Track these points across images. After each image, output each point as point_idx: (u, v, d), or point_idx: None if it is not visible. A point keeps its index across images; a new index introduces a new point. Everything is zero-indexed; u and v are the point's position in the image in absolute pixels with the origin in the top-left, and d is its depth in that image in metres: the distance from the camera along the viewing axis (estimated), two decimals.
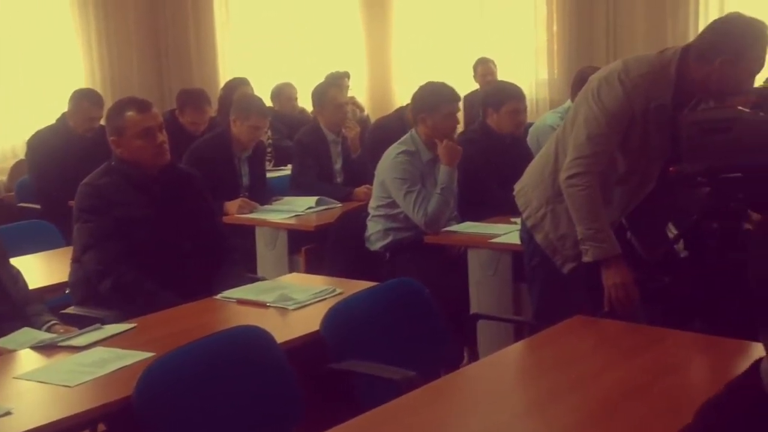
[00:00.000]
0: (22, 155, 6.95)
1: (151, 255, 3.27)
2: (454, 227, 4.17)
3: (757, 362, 1.39)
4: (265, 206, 4.91)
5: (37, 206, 5.61)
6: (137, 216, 3.27)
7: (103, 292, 3.22)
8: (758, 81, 3.01)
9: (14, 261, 3.17)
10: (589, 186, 2.85)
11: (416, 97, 4.31)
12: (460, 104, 4.55)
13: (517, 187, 3.18)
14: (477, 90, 7.25)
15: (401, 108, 6.24)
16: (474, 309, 3.83)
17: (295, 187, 5.24)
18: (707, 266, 2.89)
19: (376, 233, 4.26)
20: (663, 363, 2.39)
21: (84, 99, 5.77)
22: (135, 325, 2.84)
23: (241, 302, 3.08)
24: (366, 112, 7.51)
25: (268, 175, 5.52)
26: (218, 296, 3.14)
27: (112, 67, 8.69)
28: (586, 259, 2.89)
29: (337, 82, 6.42)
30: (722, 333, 2.52)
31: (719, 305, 2.86)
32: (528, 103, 5.33)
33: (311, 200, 4.87)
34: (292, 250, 4.63)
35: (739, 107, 2.90)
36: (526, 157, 3.82)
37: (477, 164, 4.43)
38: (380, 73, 8.57)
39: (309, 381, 2.60)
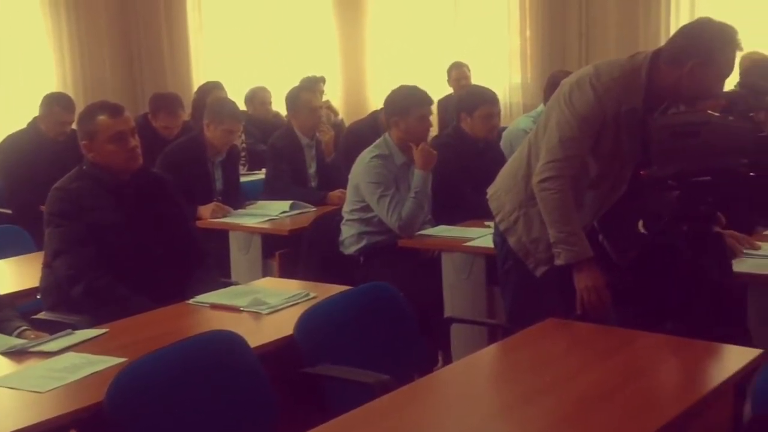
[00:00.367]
0: None
1: (123, 260, 3.25)
2: (428, 231, 4.18)
3: None
4: (239, 210, 4.90)
5: (8, 211, 5.55)
6: (109, 220, 3.25)
7: (75, 297, 3.20)
8: (728, 85, 3.04)
9: None
10: (561, 189, 2.86)
11: (389, 101, 4.32)
12: (434, 108, 4.56)
13: (490, 190, 3.19)
14: (451, 94, 7.27)
15: (375, 112, 6.25)
16: (448, 312, 3.84)
17: (269, 191, 5.23)
18: (678, 269, 2.91)
19: (350, 237, 4.26)
20: (635, 365, 2.41)
21: (55, 103, 5.72)
22: (107, 330, 2.82)
23: (214, 307, 3.07)
24: (340, 116, 7.51)
25: (242, 179, 5.50)
26: (191, 301, 3.13)
27: (84, 71, 8.63)
28: (558, 262, 2.90)
29: (311, 86, 6.42)
30: (693, 335, 2.55)
31: (690, 307, 2.89)
32: (502, 107, 5.36)
33: (285, 204, 4.86)
34: (266, 255, 4.62)
35: (709, 111, 2.93)
36: (500, 161, 3.83)
37: (451, 168, 4.44)
38: (354, 77, 8.58)
39: (282, 385, 2.60)
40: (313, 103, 5.38)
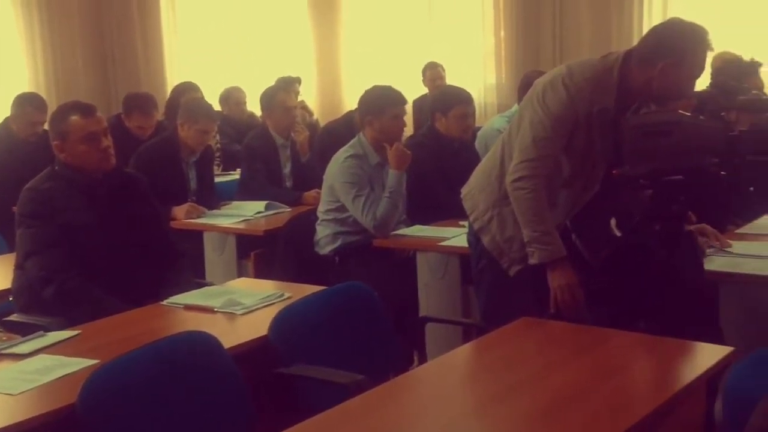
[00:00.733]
0: None
1: (96, 261, 3.22)
2: (403, 231, 4.19)
3: None
4: (214, 211, 4.88)
5: None
6: (82, 221, 3.23)
7: (47, 298, 3.17)
8: (699, 85, 3.06)
9: None
10: (534, 189, 2.88)
11: (363, 101, 4.32)
12: (408, 108, 4.56)
13: (464, 190, 3.20)
14: (426, 94, 7.29)
15: (350, 112, 6.25)
16: (423, 312, 3.85)
17: (244, 191, 5.21)
18: (650, 268, 2.93)
19: (325, 237, 4.25)
20: (608, 363, 2.42)
21: (27, 103, 5.68)
22: (79, 332, 2.80)
23: (188, 308, 3.05)
24: (315, 117, 7.50)
25: (217, 179, 5.48)
26: (165, 302, 3.11)
27: (57, 71, 8.56)
28: (532, 261, 2.92)
29: (286, 86, 6.40)
30: (665, 333, 2.57)
31: (663, 306, 2.91)
32: (476, 107, 5.38)
33: (260, 205, 4.85)
34: (241, 255, 4.61)
35: (680, 111, 2.95)
36: (475, 161, 3.84)
37: (426, 168, 4.45)
38: (329, 77, 8.57)
39: (257, 386, 2.59)
40: (287, 103, 5.37)
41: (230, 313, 2.96)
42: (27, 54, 8.35)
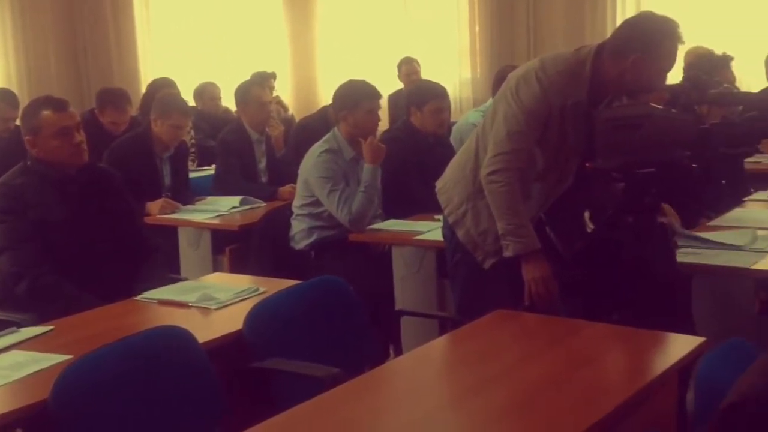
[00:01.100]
0: None
1: (69, 256, 3.21)
2: (379, 225, 4.19)
3: None
4: (188, 206, 4.86)
5: None
6: (55, 217, 3.21)
7: (20, 294, 3.15)
8: (673, 79, 3.08)
9: None
10: (509, 182, 2.89)
11: (337, 96, 4.31)
12: (383, 102, 4.56)
13: (439, 184, 3.21)
14: (401, 89, 7.29)
15: (325, 107, 6.24)
16: (399, 306, 3.85)
17: (219, 186, 5.20)
18: (623, 260, 2.95)
19: (300, 232, 4.25)
20: (581, 354, 2.44)
21: None
22: (52, 327, 2.78)
23: (163, 303, 3.04)
24: (290, 112, 7.48)
25: (191, 175, 5.46)
26: (139, 297, 3.10)
27: (29, 66, 8.49)
28: (506, 254, 2.93)
29: (261, 81, 6.38)
30: (639, 325, 2.59)
31: (636, 298, 2.93)
32: (451, 102, 5.39)
33: (235, 200, 4.83)
34: (216, 251, 4.59)
35: (652, 104, 2.97)
36: (450, 155, 3.83)
37: (401, 162, 4.45)
38: (304, 72, 8.56)
39: (232, 380, 2.58)
40: (262, 98, 5.36)
41: (205, 308, 2.95)
42: None
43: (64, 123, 3.23)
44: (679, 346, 2.42)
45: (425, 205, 4.05)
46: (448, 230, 3.16)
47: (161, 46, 8.97)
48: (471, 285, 3.13)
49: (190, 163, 5.66)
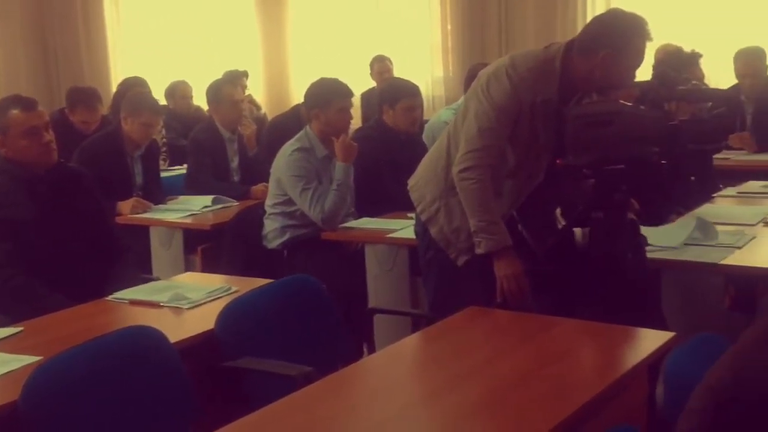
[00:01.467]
0: None
1: (39, 256, 3.18)
2: (352, 223, 4.19)
3: None
4: (160, 206, 4.84)
5: None
6: (24, 217, 3.18)
7: None
8: (643, 76, 3.11)
9: None
10: (480, 179, 2.90)
11: (309, 94, 4.31)
12: (356, 101, 4.56)
13: (411, 181, 3.21)
14: (374, 87, 7.29)
15: (297, 105, 6.21)
16: (372, 304, 3.85)
17: (191, 186, 5.17)
18: (594, 257, 2.97)
19: (273, 231, 4.24)
20: (553, 350, 2.45)
21: None
22: (22, 328, 2.76)
23: (134, 303, 3.02)
24: (263, 111, 7.46)
25: (163, 174, 5.43)
26: (110, 297, 3.08)
27: None
28: (479, 251, 2.94)
29: (233, 79, 6.36)
30: (609, 320, 2.61)
31: (607, 294, 2.95)
32: (424, 100, 5.40)
33: (207, 199, 4.81)
34: (188, 250, 4.57)
35: (622, 101, 2.99)
36: (422, 153, 3.83)
37: (373, 161, 4.45)
38: (277, 71, 8.54)
39: (204, 380, 2.57)
40: (234, 96, 5.34)
41: (177, 307, 2.94)
42: None
43: (32, 122, 3.21)
44: (650, 341, 2.45)
45: (398, 203, 4.06)
46: (421, 228, 3.17)
47: (132, 45, 8.90)
48: (444, 282, 3.13)
49: (161, 162, 5.63)
